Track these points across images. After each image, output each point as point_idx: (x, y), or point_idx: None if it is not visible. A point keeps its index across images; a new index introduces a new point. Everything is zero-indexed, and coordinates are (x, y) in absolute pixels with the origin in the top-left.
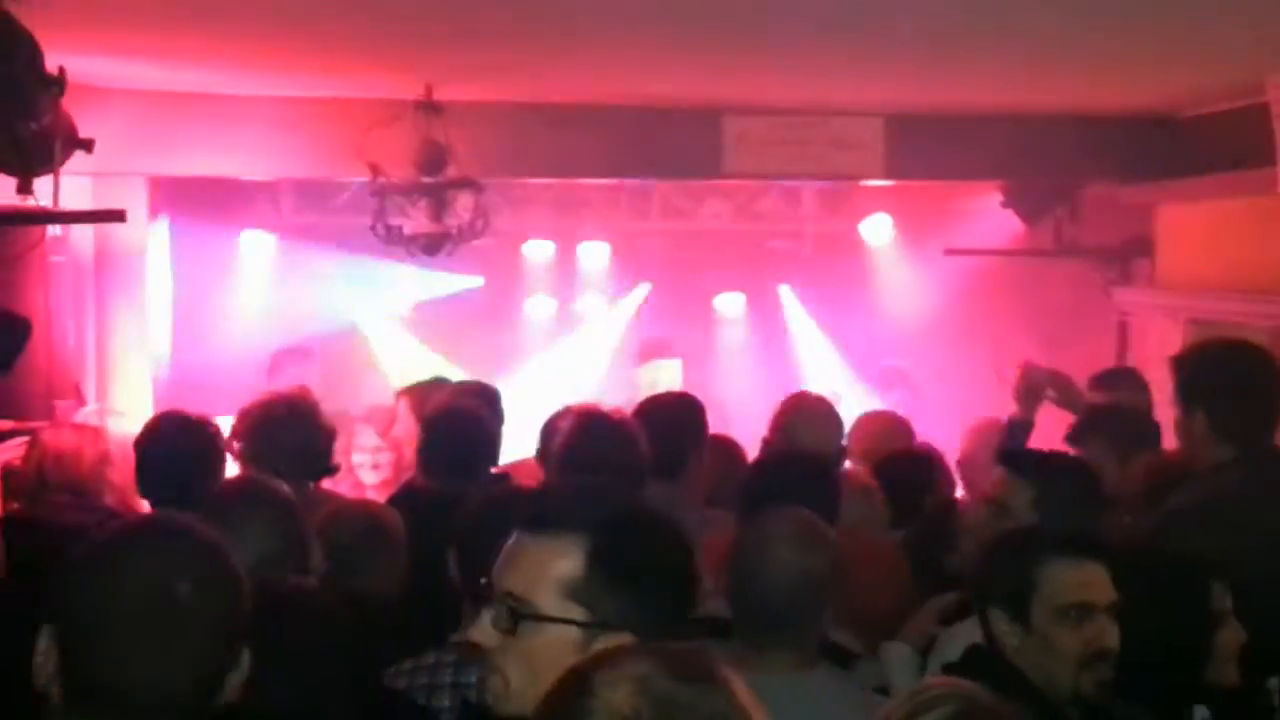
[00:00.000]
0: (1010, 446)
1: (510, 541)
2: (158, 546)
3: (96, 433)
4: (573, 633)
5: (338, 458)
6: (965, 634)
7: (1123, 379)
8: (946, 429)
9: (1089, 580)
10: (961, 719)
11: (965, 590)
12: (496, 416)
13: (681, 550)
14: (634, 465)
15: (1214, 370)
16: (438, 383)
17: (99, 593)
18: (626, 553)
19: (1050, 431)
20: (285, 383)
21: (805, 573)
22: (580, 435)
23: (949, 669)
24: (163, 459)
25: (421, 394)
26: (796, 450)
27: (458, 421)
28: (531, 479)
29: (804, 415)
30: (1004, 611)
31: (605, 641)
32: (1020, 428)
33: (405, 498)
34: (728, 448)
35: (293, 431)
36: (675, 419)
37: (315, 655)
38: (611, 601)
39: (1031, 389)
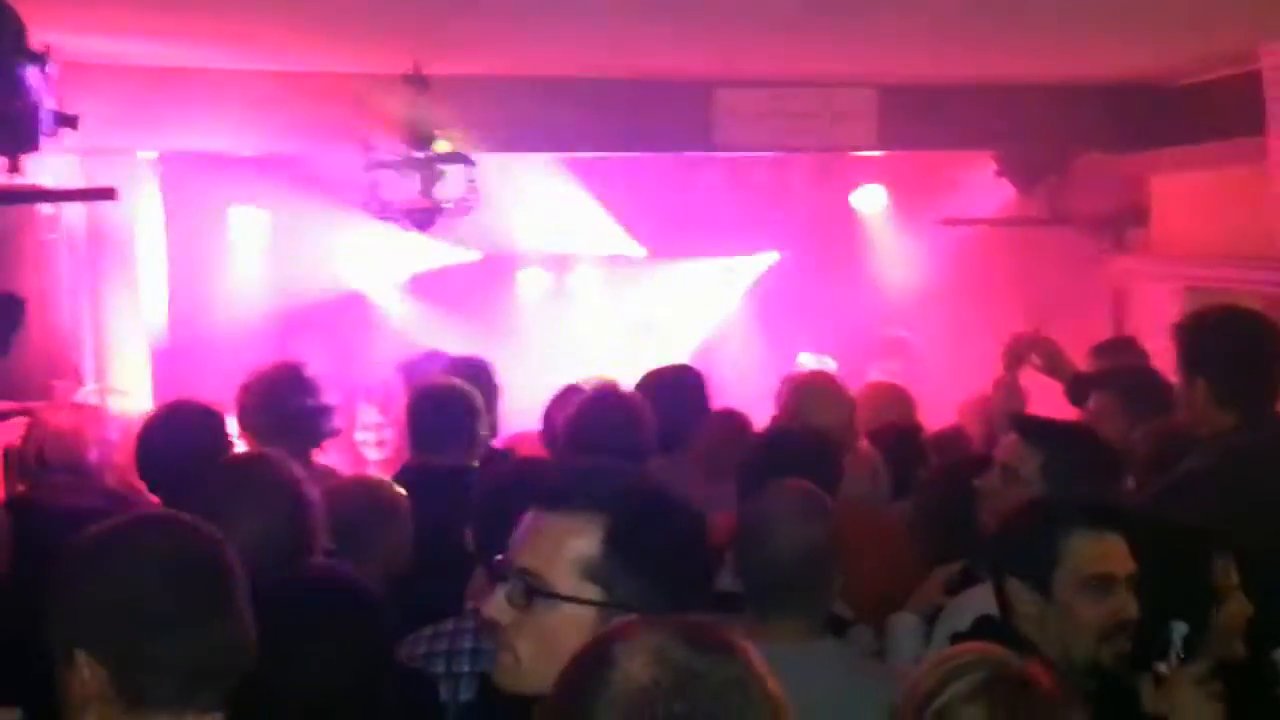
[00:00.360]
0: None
1: (528, 518)
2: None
3: (96, 412)
4: (588, 612)
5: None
6: (972, 603)
7: (1122, 348)
8: (943, 398)
9: (1111, 552)
10: (993, 684)
11: (973, 557)
12: (488, 389)
13: (699, 532)
14: (641, 443)
15: (1215, 338)
16: (433, 357)
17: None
18: (644, 535)
19: (1053, 401)
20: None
21: (809, 543)
22: (588, 412)
23: (958, 639)
24: (168, 451)
25: (417, 368)
26: (795, 425)
27: (437, 396)
28: (535, 452)
29: (813, 393)
30: (1024, 582)
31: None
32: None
33: (401, 474)
34: (734, 421)
35: (292, 400)
36: (676, 392)
37: (356, 637)
38: (628, 583)
39: (1014, 353)
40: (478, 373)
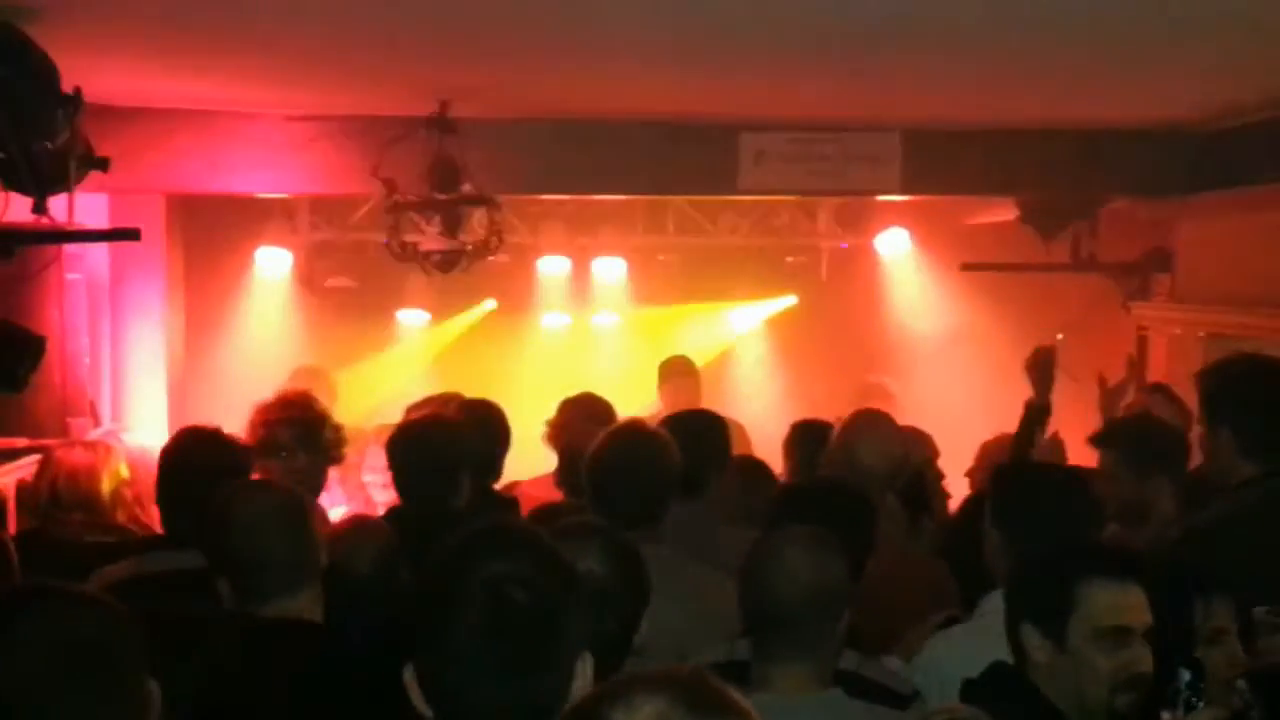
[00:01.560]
0: (1024, 429)
1: None
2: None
3: (109, 450)
4: None
5: (350, 474)
6: (944, 643)
7: (1160, 392)
8: (962, 443)
9: (1129, 604)
10: None
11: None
12: (499, 433)
13: None
14: (667, 477)
15: (1241, 387)
16: (446, 399)
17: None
18: None
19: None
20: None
21: (812, 585)
22: (613, 445)
23: (969, 685)
24: (189, 474)
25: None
26: (824, 478)
27: (410, 442)
28: (544, 494)
29: (863, 433)
30: (1037, 628)
31: None
32: (1035, 411)
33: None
34: (754, 468)
35: (300, 424)
36: (698, 436)
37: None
38: None
39: (1040, 366)
40: (488, 416)
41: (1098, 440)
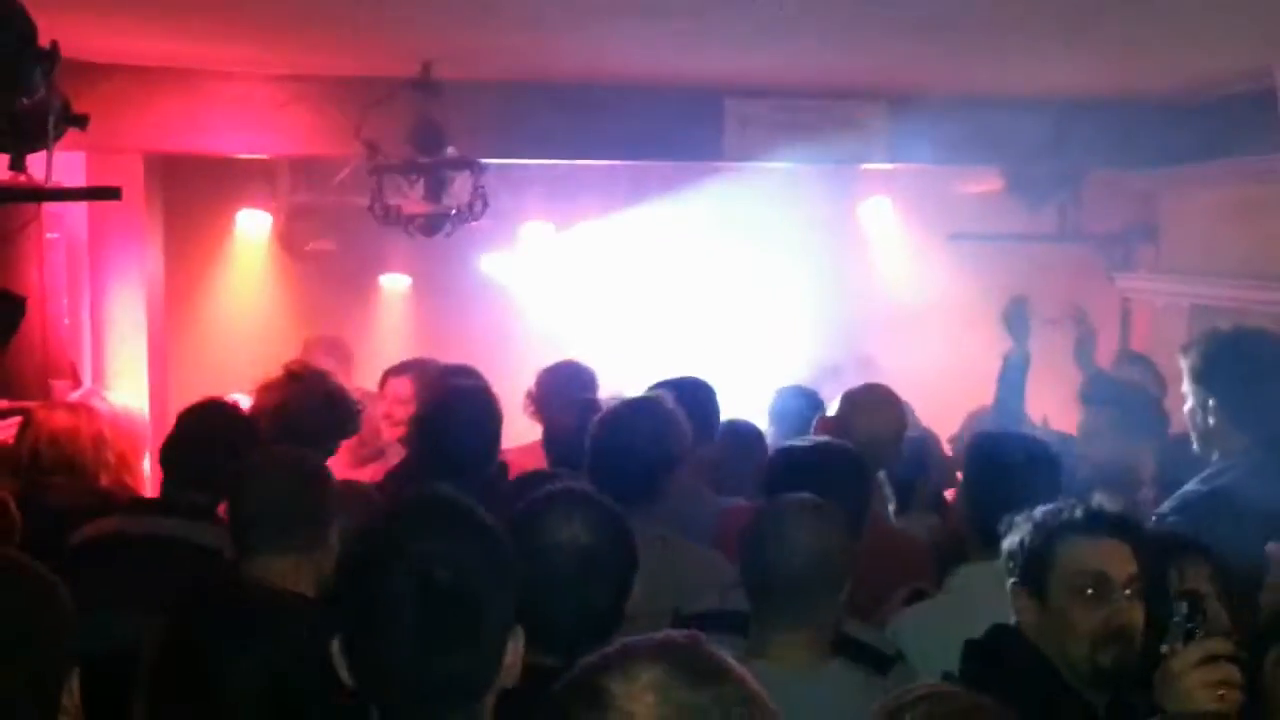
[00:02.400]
0: (1009, 380)
1: None
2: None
3: (91, 411)
4: None
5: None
6: (912, 617)
7: (1142, 362)
8: (946, 411)
9: (1106, 556)
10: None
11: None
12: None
13: None
14: (675, 446)
15: (1227, 358)
16: (419, 364)
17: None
18: None
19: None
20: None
21: (814, 556)
22: (615, 419)
23: (971, 646)
24: (200, 443)
25: (404, 374)
26: (818, 440)
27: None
28: (531, 462)
29: (862, 403)
30: (1023, 588)
31: None
32: (1013, 363)
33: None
34: (746, 433)
35: (310, 409)
36: (689, 402)
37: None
38: None
39: (1015, 315)
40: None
41: (1084, 397)
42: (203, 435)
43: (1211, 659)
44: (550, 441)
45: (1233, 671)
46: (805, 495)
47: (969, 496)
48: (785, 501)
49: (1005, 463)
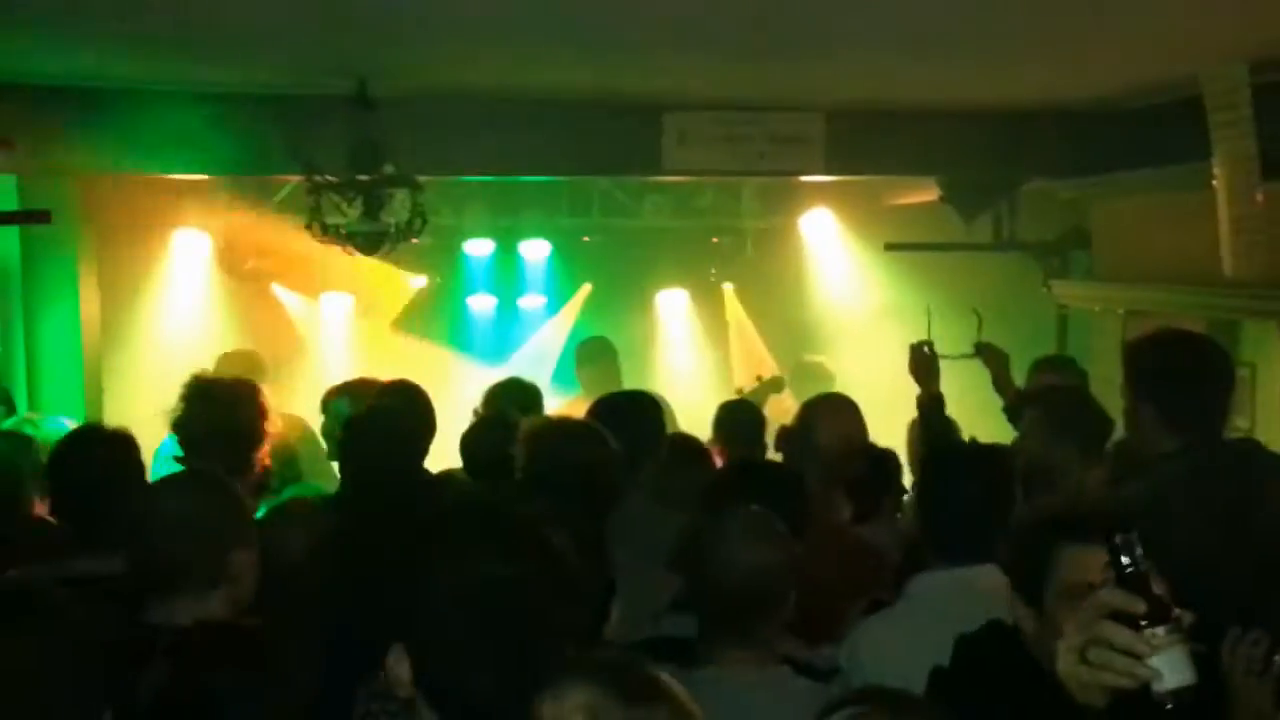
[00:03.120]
0: (926, 423)
1: None
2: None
3: (28, 441)
4: None
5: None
6: (869, 629)
7: (1062, 365)
8: (885, 418)
9: (1096, 563)
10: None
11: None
12: (425, 417)
13: None
14: (609, 471)
15: (1163, 360)
16: (364, 383)
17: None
18: None
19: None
20: None
21: (758, 567)
22: (547, 442)
23: (963, 640)
24: (79, 477)
25: (345, 393)
26: (758, 459)
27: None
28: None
29: (822, 415)
30: (1020, 596)
31: None
32: (930, 405)
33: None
34: (690, 448)
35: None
36: (629, 420)
37: None
38: None
39: (919, 365)
40: (413, 400)
41: (1010, 416)
42: (90, 470)
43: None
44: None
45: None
46: (748, 511)
47: (922, 505)
48: (728, 516)
49: (955, 471)
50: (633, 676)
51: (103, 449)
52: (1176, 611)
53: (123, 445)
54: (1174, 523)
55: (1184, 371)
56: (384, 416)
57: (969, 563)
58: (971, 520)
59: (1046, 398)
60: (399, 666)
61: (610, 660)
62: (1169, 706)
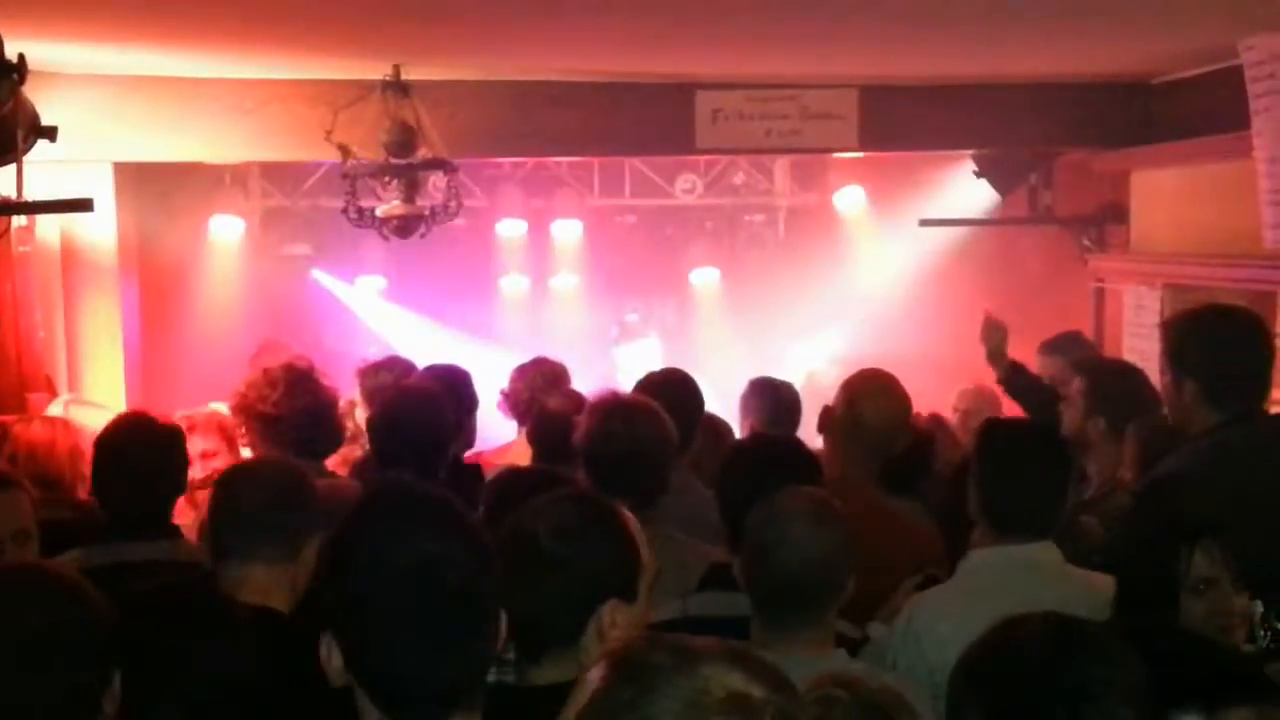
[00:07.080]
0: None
1: None
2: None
3: (68, 425)
4: None
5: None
6: (931, 601)
7: (1072, 342)
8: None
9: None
10: (832, 703)
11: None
12: (465, 400)
13: None
14: (667, 444)
15: (1205, 336)
16: (393, 362)
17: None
18: None
19: None
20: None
21: (823, 550)
22: (608, 420)
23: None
24: (127, 465)
25: (375, 374)
26: (773, 434)
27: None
28: (519, 460)
29: (867, 391)
30: None
31: None
32: (1012, 376)
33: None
34: (715, 427)
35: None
36: (675, 398)
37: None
38: None
39: (993, 335)
40: (454, 383)
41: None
42: (142, 461)
43: None
44: (541, 437)
45: None
46: (801, 490)
47: (980, 482)
48: (787, 501)
49: (1018, 448)
50: (763, 662)
51: (152, 437)
52: None
53: (170, 437)
54: (1217, 498)
55: (1226, 346)
56: (413, 402)
57: (1024, 539)
58: (1033, 497)
59: (1092, 370)
60: (331, 656)
61: (740, 648)
62: None
